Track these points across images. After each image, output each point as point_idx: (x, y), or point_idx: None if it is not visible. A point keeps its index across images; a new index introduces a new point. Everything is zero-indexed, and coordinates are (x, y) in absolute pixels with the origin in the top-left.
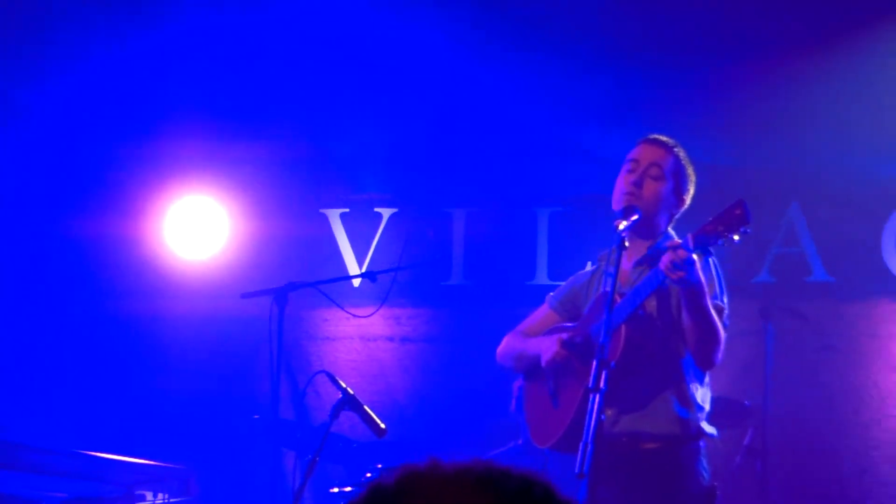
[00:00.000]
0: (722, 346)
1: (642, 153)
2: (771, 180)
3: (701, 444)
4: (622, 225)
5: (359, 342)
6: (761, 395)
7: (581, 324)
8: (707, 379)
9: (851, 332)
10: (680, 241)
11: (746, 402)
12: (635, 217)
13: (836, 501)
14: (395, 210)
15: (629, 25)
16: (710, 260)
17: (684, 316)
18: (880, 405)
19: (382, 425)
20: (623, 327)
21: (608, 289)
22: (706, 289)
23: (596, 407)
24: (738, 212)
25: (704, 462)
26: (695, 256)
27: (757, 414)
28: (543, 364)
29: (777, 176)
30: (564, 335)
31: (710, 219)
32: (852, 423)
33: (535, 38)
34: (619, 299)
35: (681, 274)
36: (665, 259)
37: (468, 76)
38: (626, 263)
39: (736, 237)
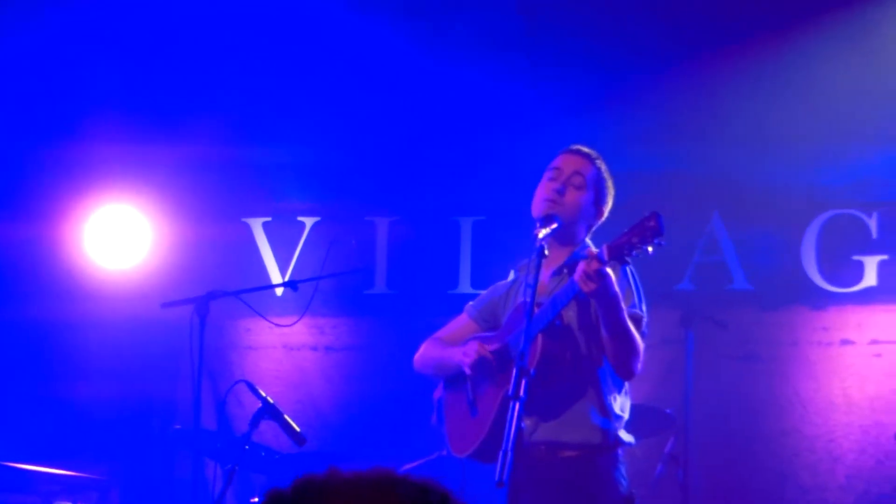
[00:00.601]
0: (640, 356)
1: (565, 162)
2: (692, 190)
3: (619, 452)
4: (542, 233)
5: (281, 351)
6: (683, 403)
7: (500, 333)
8: (626, 388)
9: (772, 340)
10: (596, 251)
11: (668, 410)
12: (555, 225)
13: None
14: (317, 219)
15: (551, 37)
16: (628, 269)
17: (601, 327)
18: (801, 413)
19: (302, 434)
20: (540, 337)
21: (527, 298)
22: (622, 300)
23: (516, 415)
24: (652, 223)
25: (622, 470)
26: (608, 269)
27: (678, 422)
28: (466, 368)
29: (698, 185)
30: (482, 340)
31: (625, 230)
32: (773, 431)
33: (457, 48)
34: (537, 309)
35: (593, 285)
36: (579, 270)
37: (390, 85)
38: (545, 273)
39: (650, 249)
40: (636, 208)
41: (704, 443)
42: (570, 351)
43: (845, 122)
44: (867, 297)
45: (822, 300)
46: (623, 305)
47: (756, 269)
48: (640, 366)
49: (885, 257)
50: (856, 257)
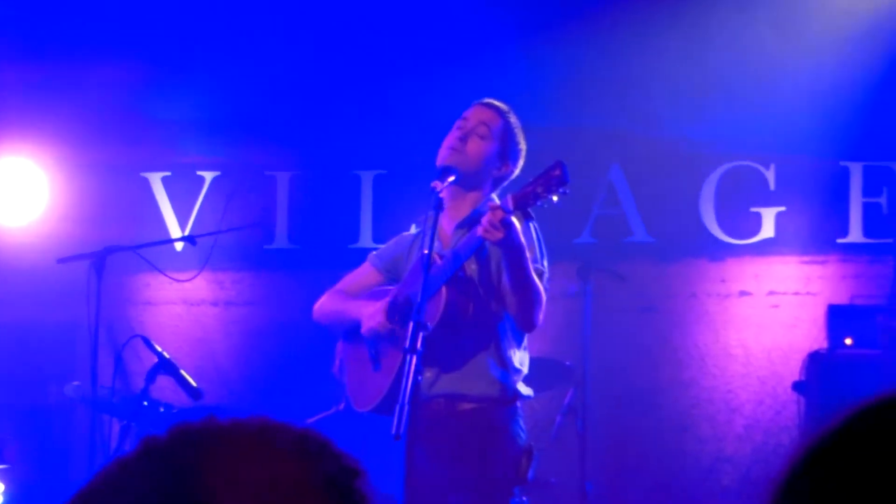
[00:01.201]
0: (542, 308)
1: (473, 112)
2: (591, 142)
3: (518, 405)
4: (439, 186)
5: (181, 307)
6: (581, 355)
7: (401, 286)
8: (525, 341)
9: (670, 292)
10: (500, 202)
11: (567, 363)
12: (452, 178)
13: (655, 460)
14: (217, 173)
15: None
16: (531, 224)
17: (504, 278)
18: (700, 364)
19: (198, 389)
20: (444, 289)
21: (426, 250)
22: (526, 251)
23: (412, 368)
24: (556, 172)
25: (521, 423)
26: (514, 219)
27: (577, 374)
28: (364, 332)
29: (597, 138)
30: (387, 301)
31: (530, 180)
32: (673, 383)
33: (359, 1)
34: (439, 261)
35: (499, 234)
36: (484, 220)
37: (290, 40)
38: (449, 225)
39: (555, 198)
40: (536, 161)
41: (603, 395)
42: (472, 303)
43: (743, 75)
44: (765, 248)
45: (720, 252)
46: (528, 256)
47: (655, 222)
48: (541, 317)
49: (782, 209)
50: (753, 209)
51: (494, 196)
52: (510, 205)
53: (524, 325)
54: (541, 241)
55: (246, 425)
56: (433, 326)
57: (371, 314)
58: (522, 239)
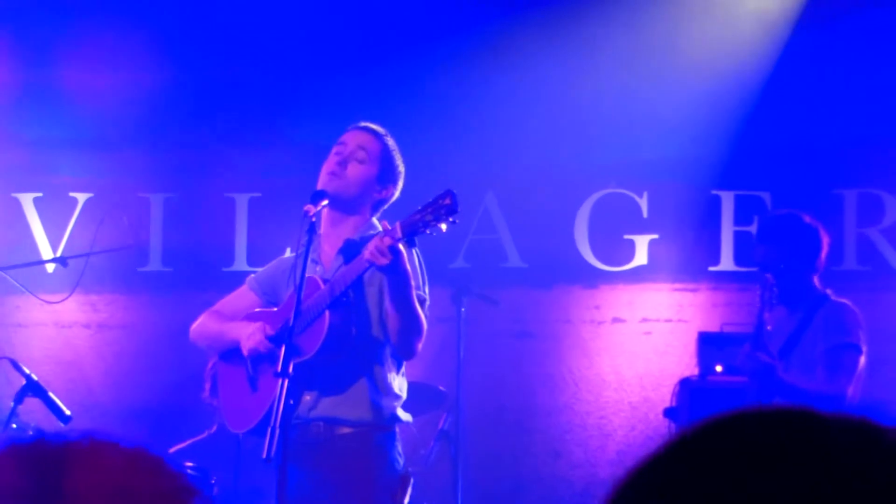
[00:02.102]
0: (423, 336)
1: (351, 137)
2: (467, 168)
3: (395, 430)
4: (312, 210)
5: (53, 329)
6: (455, 380)
7: (282, 310)
8: (403, 367)
9: (545, 318)
10: (388, 227)
11: (441, 388)
12: (325, 202)
13: (529, 485)
14: (90, 195)
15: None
16: (414, 250)
17: (388, 305)
18: (573, 390)
19: (68, 412)
20: (327, 314)
21: (302, 273)
22: (411, 279)
23: (283, 391)
24: (446, 201)
25: (399, 448)
26: (401, 246)
27: (451, 399)
28: (245, 352)
29: (473, 164)
30: (268, 324)
31: (419, 207)
32: (546, 408)
33: (232, 28)
34: (323, 286)
35: (385, 261)
36: (371, 246)
37: (165, 61)
38: (330, 250)
39: (443, 226)
40: (412, 186)
41: (477, 420)
42: (355, 328)
43: (619, 102)
44: (638, 275)
45: (594, 279)
46: (412, 283)
47: (530, 248)
48: (421, 346)
49: (655, 236)
50: (627, 236)
51: (376, 221)
52: (398, 232)
53: (404, 352)
54: (423, 267)
55: (75, 446)
56: (316, 351)
57: (251, 334)
58: (408, 266)
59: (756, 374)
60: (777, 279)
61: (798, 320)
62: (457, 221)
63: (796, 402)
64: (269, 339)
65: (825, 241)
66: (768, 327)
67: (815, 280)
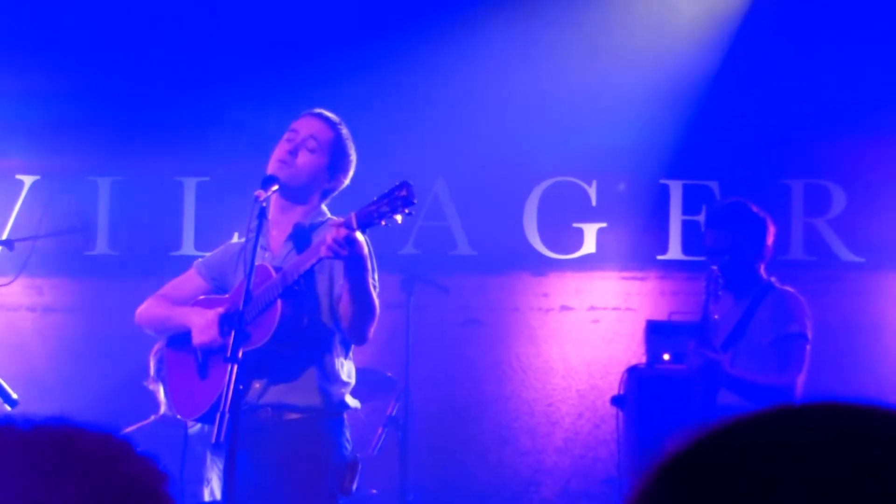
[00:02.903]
0: (375, 323)
1: (303, 124)
2: (416, 155)
3: (343, 417)
4: (262, 196)
5: None
6: (404, 367)
7: (232, 296)
8: (351, 353)
9: (493, 306)
10: (342, 219)
11: (389, 374)
12: (275, 187)
13: (476, 472)
14: (37, 177)
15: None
16: (364, 238)
17: (343, 290)
18: (521, 377)
19: (14, 395)
20: (279, 302)
21: (252, 259)
22: (368, 266)
23: (233, 377)
24: (402, 193)
25: (347, 434)
26: (358, 235)
27: (399, 386)
28: (196, 345)
29: (423, 151)
30: (219, 314)
31: (374, 198)
32: (494, 395)
33: (183, 6)
34: (274, 274)
35: (343, 252)
36: (328, 237)
37: (112, 42)
38: (278, 236)
39: (399, 218)
40: (362, 173)
41: (425, 407)
42: (306, 316)
43: (568, 90)
44: (586, 263)
45: (542, 266)
46: (369, 270)
47: (479, 235)
48: (372, 332)
49: (603, 225)
50: (575, 224)
51: (325, 208)
52: (353, 223)
53: (357, 338)
54: (372, 255)
55: (43, 430)
56: (267, 340)
57: (203, 328)
58: (366, 253)
59: (703, 370)
60: (723, 268)
61: (744, 309)
62: (412, 213)
63: (745, 395)
64: (220, 332)
65: (772, 229)
66: (715, 317)
67: (762, 269)
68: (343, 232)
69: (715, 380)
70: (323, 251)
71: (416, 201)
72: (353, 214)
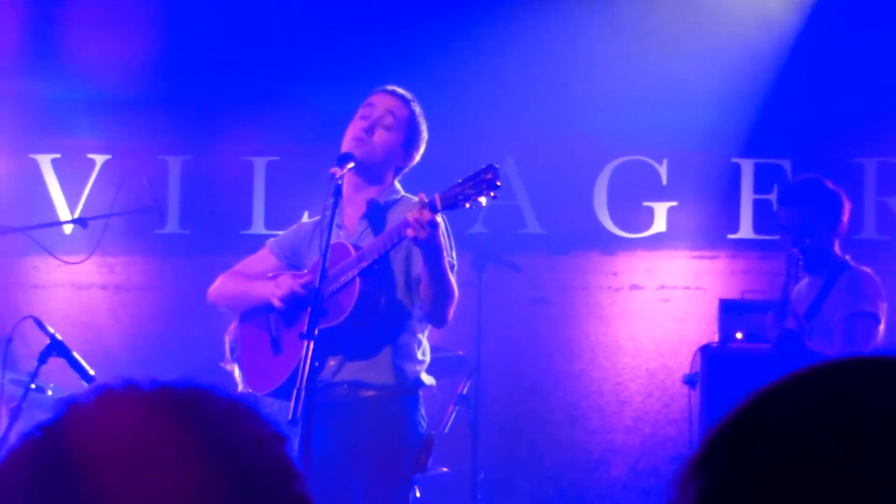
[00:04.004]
0: (454, 304)
1: (379, 100)
2: (486, 135)
3: (419, 394)
4: (338, 173)
5: (70, 290)
6: (475, 345)
7: (311, 272)
8: (427, 331)
9: (563, 285)
10: (426, 199)
11: (460, 353)
12: (351, 165)
13: (546, 450)
14: (108, 157)
15: None
16: (442, 217)
17: (422, 274)
18: (591, 356)
19: (92, 371)
20: (358, 280)
21: (328, 237)
22: (445, 249)
23: (309, 353)
24: (488, 176)
25: (422, 411)
26: (439, 218)
27: (470, 364)
28: (275, 300)
29: (492, 131)
30: (299, 281)
31: (459, 181)
32: (563, 374)
33: None
34: (353, 252)
35: (425, 234)
36: (411, 218)
37: (184, 23)
38: (352, 214)
39: (483, 200)
40: (433, 152)
41: (495, 385)
42: (385, 295)
43: (639, 69)
44: (656, 242)
45: (612, 245)
46: (445, 254)
47: (548, 215)
48: (452, 313)
49: (674, 203)
50: (646, 203)
51: (398, 184)
52: (438, 205)
53: (436, 320)
54: (450, 232)
55: (169, 391)
56: (346, 317)
57: (279, 283)
58: (443, 237)
59: (781, 342)
60: (802, 249)
61: (819, 287)
62: (497, 196)
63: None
64: (297, 299)
65: (847, 206)
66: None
67: (836, 246)
68: (428, 215)
69: (793, 352)
70: (406, 232)
71: (500, 184)
72: (437, 196)
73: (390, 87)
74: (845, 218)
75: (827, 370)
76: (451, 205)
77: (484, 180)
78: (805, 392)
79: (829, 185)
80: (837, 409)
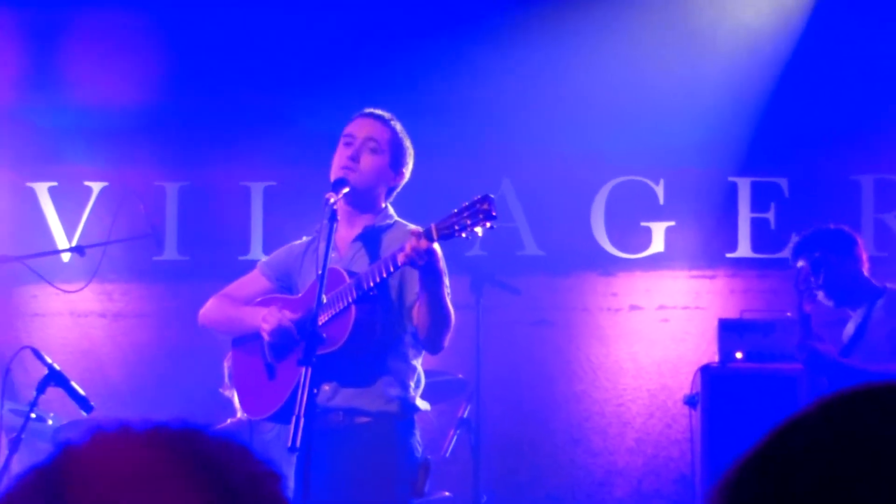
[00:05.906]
0: (451, 331)
1: (359, 127)
2: (483, 156)
3: (414, 419)
4: (333, 198)
5: (69, 318)
6: (474, 368)
7: (304, 297)
8: (421, 356)
9: (562, 306)
10: (421, 229)
11: (460, 376)
12: (346, 189)
13: (548, 473)
14: (105, 184)
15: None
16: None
17: (420, 301)
18: (592, 378)
19: (91, 402)
20: (353, 308)
21: (325, 262)
22: (443, 277)
23: (307, 381)
24: (484, 206)
25: (417, 436)
26: (436, 246)
27: (470, 387)
28: (265, 334)
29: (490, 152)
30: (287, 311)
31: (455, 210)
32: (564, 396)
33: (247, 8)
34: (348, 279)
35: (421, 263)
36: (408, 246)
37: (179, 50)
38: (345, 238)
39: (479, 231)
40: (429, 175)
41: (496, 408)
42: (379, 323)
43: (636, 89)
44: (655, 262)
45: (611, 266)
46: (444, 281)
47: (546, 236)
48: (448, 340)
49: (671, 223)
50: (643, 223)
51: (390, 207)
52: (434, 234)
53: (432, 347)
54: (442, 258)
55: (162, 433)
56: (342, 344)
57: (266, 317)
58: (440, 266)
59: (811, 362)
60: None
61: (861, 317)
62: (494, 227)
63: (858, 381)
64: (286, 333)
65: (855, 235)
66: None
67: (866, 273)
68: (424, 244)
69: (824, 370)
70: (400, 259)
71: (496, 214)
72: (433, 226)
73: (367, 111)
74: (860, 245)
75: (859, 397)
76: (446, 235)
77: (480, 210)
78: (835, 420)
79: (831, 226)
80: (868, 438)
